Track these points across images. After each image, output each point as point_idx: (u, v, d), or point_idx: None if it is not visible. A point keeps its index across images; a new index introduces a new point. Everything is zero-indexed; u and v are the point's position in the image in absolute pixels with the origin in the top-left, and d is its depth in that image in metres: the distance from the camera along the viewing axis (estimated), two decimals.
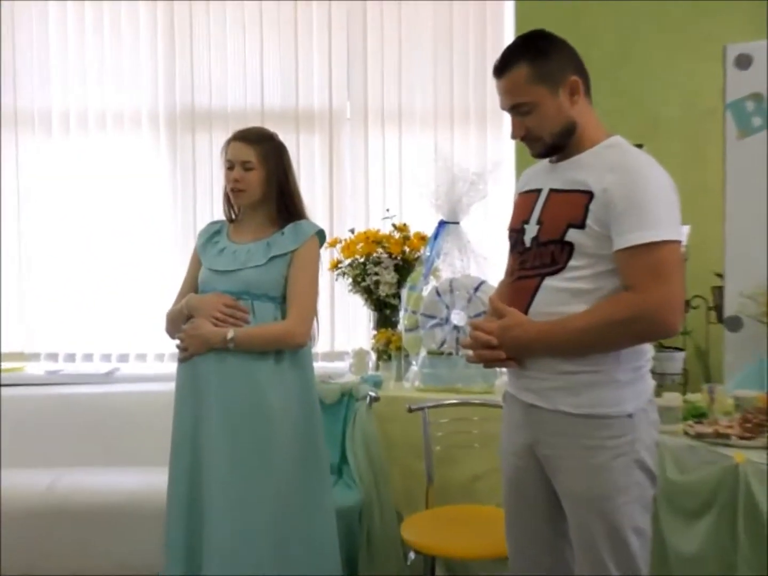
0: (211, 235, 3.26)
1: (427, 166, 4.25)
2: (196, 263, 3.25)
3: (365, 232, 4.55)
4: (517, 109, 2.35)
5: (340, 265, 4.53)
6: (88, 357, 5.09)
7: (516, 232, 2.47)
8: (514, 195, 2.62)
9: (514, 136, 2.41)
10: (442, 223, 4.19)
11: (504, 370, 2.68)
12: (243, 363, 2.98)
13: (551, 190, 2.39)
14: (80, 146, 5.03)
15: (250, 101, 5.02)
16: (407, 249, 4.46)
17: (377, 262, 4.42)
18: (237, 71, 5.02)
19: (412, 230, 4.55)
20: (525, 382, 2.40)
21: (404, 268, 4.41)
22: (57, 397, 4.61)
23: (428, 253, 4.19)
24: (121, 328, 5.06)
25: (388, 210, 4.77)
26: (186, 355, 3.04)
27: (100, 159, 5.04)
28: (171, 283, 4.78)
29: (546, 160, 2.49)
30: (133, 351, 5.08)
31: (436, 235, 4.18)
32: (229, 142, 3.14)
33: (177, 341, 3.09)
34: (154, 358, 5.08)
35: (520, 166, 4.58)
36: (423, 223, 4.53)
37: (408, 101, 5.01)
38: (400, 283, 4.36)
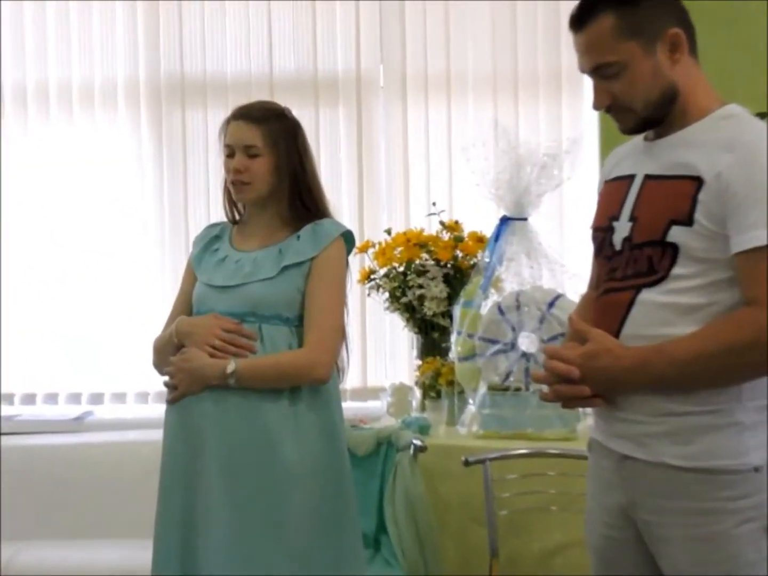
0: (209, 241, 3.30)
1: (484, 146, 4.24)
2: (190, 278, 3.28)
3: (405, 233, 4.57)
4: (601, 71, 2.35)
5: (373, 276, 4.55)
6: (52, 398, 5.13)
7: (602, 232, 2.47)
8: (599, 183, 2.62)
9: (597, 107, 2.41)
10: (504, 220, 4.21)
11: (589, 410, 2.67)
12: (248, 404, 3.00)
13: (647, 177, 2.39)
14: (38, 130, 5.09)
15: (256, 67, 5.08)
16: (460, 254, 4.48)
17: (422, 272, 4.43)
18: (238, 29, 5.07)
19: (467, 229, 4.57)
20: (617, 426, 2.40)
21: (457, 278, 4.43)
22: (13, 449, 4.64)
23: (487, 259, 4.20)
24: (93, 361, 5.10)
25: (434, 204, 4.76)
26: (176, 395, 3.06)
27: (63, 145, 5.09)
28: (156, 303, 4.85)
29: (640, 137, 2.48)
30: (109, 390, 5.11)
31: (497, 236, 4.19)
32: (228, 121, 3.17)
33: (166, 377, 3.11)
34: (135, 399, 5.12)
35: (606, 145, 4.56)
36: (480, 221, 4.56)
37: (459, 63, 5.04)
38: (451, 299, 4.37)
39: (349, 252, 3.20)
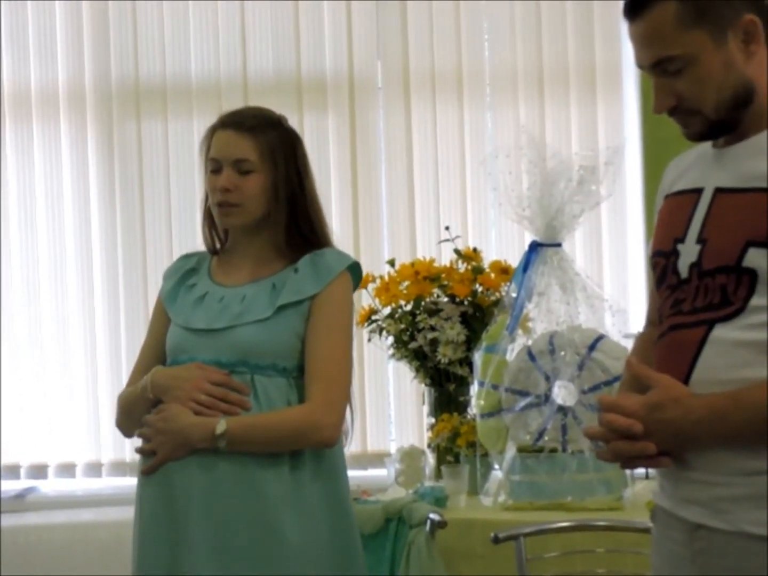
0: (184, 275, 3.30)
1: (507, 157, 4.25)
2: (161, 318, 3.29)
3: (412, 264, 4.57)
4: (662, 66, 2.38)
5: (374, 318, 4.56)
6: None
7: (665, 257, 2.49)
8: (658, 199, 2.65)
9: (658, 109, 2.44)
10: (534, 247, 4.22)
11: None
12: (242, 471, 3.02)
13: (718, 190, 2.41)
14: None
15: (226, 68, 5.12)
16: (480, 288, 4.48)
17: (434, 311, 4.43)
18: (204, 22, 5.11)
19: (487, 259, 4.58)
20: (687, 489, 2.40)
21: (476, 318, 4.44)
22: None
23: (514, 294, 4.21)
24: (33, 427, 5.08)
25: (447, 228, 4.76)
26: (154, 462, 3.06)
27: None
28: (109, 356, 4.85)
29: (707, 144, 2.51)
30: (54, 461, 5.07)
31: (525, 266, 4.19)
32: (213, 130, 3.20)
33: (137, 440, 3.12)
34: (85, 471, 5.04)
35: (651, 154, 4.55)
36: (504, 248, 4.61)
37: (472, 58, 5.07)
38: (470, 343, 4.38)
39: (355, 288, 3.23)
